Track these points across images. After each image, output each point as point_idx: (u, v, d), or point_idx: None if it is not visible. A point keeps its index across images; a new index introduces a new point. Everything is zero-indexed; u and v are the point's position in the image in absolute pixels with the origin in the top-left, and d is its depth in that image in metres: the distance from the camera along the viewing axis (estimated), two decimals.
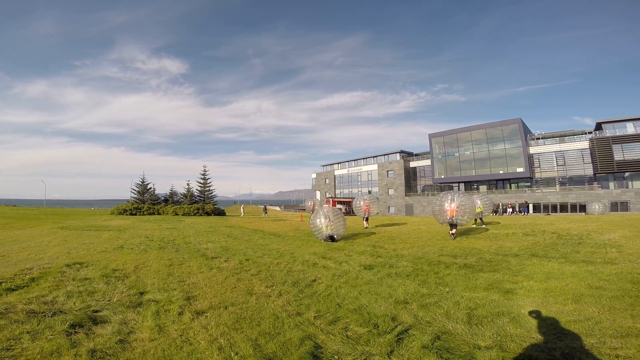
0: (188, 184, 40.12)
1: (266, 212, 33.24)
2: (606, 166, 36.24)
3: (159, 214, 32.87)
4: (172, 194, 41.02)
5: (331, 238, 10.61)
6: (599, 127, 38.90)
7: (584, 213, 32.39)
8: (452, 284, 5.16)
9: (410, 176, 55.62)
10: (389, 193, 55.13)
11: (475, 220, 15.13)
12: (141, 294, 4.83)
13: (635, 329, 3.02)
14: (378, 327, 3.51)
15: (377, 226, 16.63)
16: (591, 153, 38.08)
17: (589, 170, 38.89)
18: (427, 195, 51.04)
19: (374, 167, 59.04)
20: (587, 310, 3.57)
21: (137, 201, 37.69)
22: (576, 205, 37.23)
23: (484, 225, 14.35)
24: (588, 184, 38.63)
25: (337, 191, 65.47)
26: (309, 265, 7.04)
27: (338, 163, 68.15)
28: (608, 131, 37.26)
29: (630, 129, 36.23)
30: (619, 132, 36.49)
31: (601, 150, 36.42)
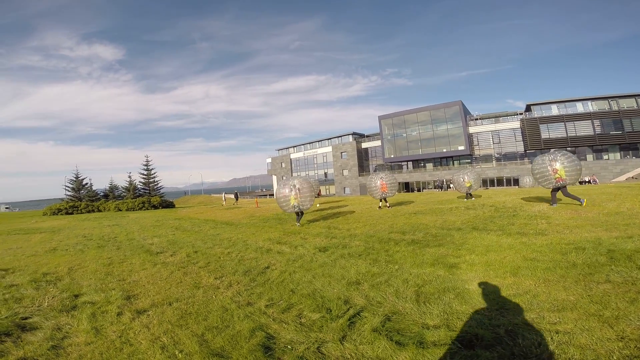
0: (130, 177, 37.88)
1: (237, 200, 33.00)
2: (535, 143, 40.35)
3: (99, 210, 30.75)
4: (113, 188, 38.65)
5: (300, 212, 10.83)
6: (528, 108, 42.94)
7: (517, 186, 35.81)
8: (401, 261, 5.24)
9: (363, 157, 57.41)
10: (344, 174, 56.38)
11: (466, 195, 15.30)
12: (76, 296, 4.57)
13: (569, 301, 3.15)
14: (331, 311, 3.44)
15: (332, 207, 16.81)
16: (522, 132, 42.13)
17: (520, 147, 43.04)
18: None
19: (329, 149, 59.84)
20: (525, 284, 3.73)
21: (73, 199, 34.78)
22: (510, 179, 41.20)
23: (472, 199, 14.70)
24: (520, 160, 42.81)
25: (294, 174, 65.31)
26: (263, 252, 6.86)
27: (294, 147, 67.65)
28: (536, 112, 41.32)
29: (554, 110, 40.57)
30: (545, 113, 40.64)
31: (530, 129, 40.44)
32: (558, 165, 9.96)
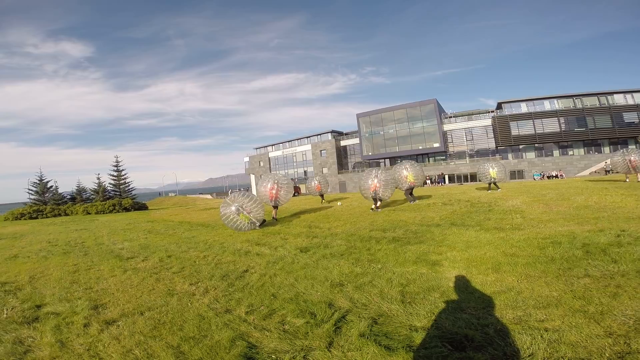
0: (98, 178, 36.15)
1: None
2: (505, 140, 42.10)
3: (66, 214, 29.07)
4: (81, 190, 36.63)
5: (262, 223, 10.12)
6: (499, 106, 44.61)
7: None
8: (384, 259, 5.18)
9: (342, 154, 57.89)
10: (323, 172, 56.48)
11: (489, 185, 15.97)
12: (38, 307, 4.33)
13: (553, 297, 3.16)
14: (315, 316, 3.29)
15: (312, 205, 16.71)
16: (493, 129, 43.74)
17: (492, 144, 44.69)
18: (358, 172, 53.60)
19: (308, 147, 59.98)
20: (507, 280, 3.74)
21: (37, 203, 32.84)
22: None
23: (499, 190, 15.27)
24: (492, 156, 44.43)
25: (273, 173, 64.77)
26: (241, 255, 6.58)
27: (272, 145, 67.13)
28: (507, 110, 43.07)
29: (524, 108, 42.46)
30: (515, 111, 42.42)
31: (501, 126, 42.11)
32: (406, 172, 12.90)
